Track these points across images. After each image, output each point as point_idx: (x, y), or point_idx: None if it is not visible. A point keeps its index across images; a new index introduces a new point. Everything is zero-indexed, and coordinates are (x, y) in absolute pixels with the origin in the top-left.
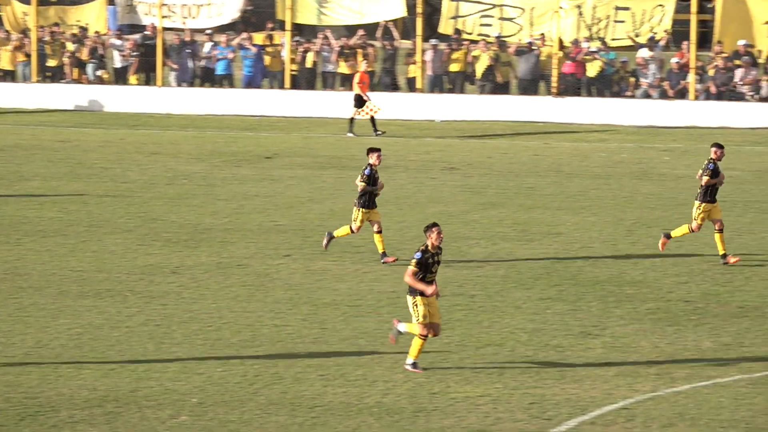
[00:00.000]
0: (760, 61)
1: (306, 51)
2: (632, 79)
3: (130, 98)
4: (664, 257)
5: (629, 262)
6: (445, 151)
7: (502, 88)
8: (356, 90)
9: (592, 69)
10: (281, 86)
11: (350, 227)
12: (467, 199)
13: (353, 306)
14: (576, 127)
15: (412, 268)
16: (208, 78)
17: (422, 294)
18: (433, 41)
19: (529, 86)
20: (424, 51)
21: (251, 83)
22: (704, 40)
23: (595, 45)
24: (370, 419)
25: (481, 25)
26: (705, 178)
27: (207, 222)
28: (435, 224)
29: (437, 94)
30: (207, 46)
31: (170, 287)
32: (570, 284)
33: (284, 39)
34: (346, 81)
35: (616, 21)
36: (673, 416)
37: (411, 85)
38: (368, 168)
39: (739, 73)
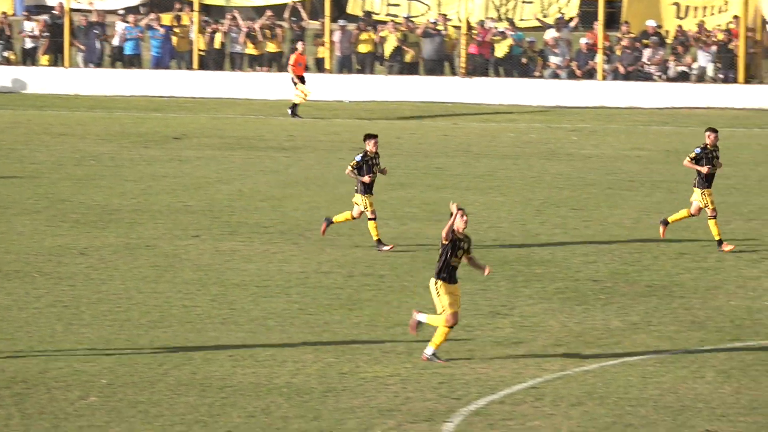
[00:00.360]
0: (668, 41)
1: (214, 32)
2: (540, 60)
3: (38, 79)
4: (572, 236)
5: (538, 241)
6: (354, 131)
7: (410, 69)
8: (292, 72)
9: (500, 49)
10: (189, 67)
11: (357, 215)
12: (376, 180)
13: (262, 286)
14: (484, 107)
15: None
16: (116, 59)
17: (445, 279)
18: (341, 22)
19: (435, 67)
20: (332, 32)
21: (159, 64)
22: (612, 21)
23: (503, 26)
24: (279, 399)
25: (389, 5)
26: (705, 168)
27: (115, 203)
28: (459, 209)
29: (346, 74)
30: (115, 27)
31: (78, 268)
32: None
33: (192, 19)
34: (254, 62)
35: (524, 2)
36: (582, 395)
37: (320, 66)
38: (360, 154)
39: (646, 53)
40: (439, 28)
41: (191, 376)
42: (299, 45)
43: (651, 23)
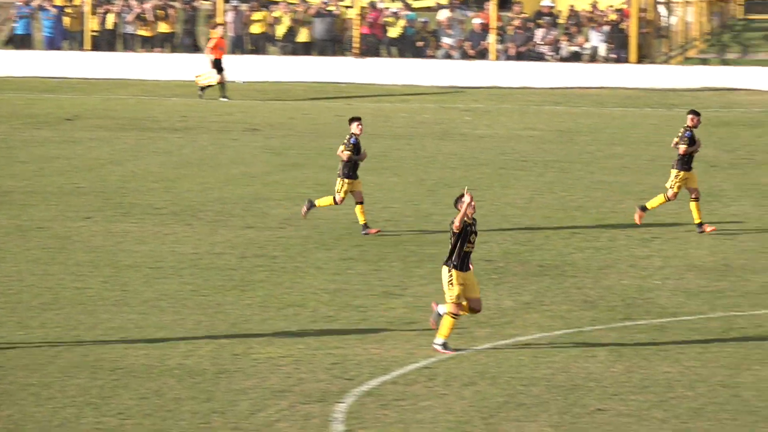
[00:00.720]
0: (560, 21)
1: (106, 12)
2: (433, 40)
3: None
4: None
5: (431, 221)
6: (247, 112)
7: (303, 50)
8: (211, 54)
9: (394, 30)
10: (81, 48)
11: (334, 198)
12: (269, 160)
13: (154, 268)
14: (378, 88)
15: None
16: (8, 39)
17: (457, 267)
18: (234, 2)
19: (327, 47)
20: (225, 12)
21: (51, 44)
22: (505, 1)
23: (396, 6)
24: (171, 381)
25: None
26: (682, 147)
27: (7, 184)
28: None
29: (239, 55)
30: (7, 7)
31: None
32: (372, 244)
33: (84, 0)
34: (147, 43)
35: None
36: (474, 375)
37: None
38: (353, 137)
39: (539, 33)
40: (331, 8)
41: (82, 358)
42: (219, 29)
43: (545, 3)
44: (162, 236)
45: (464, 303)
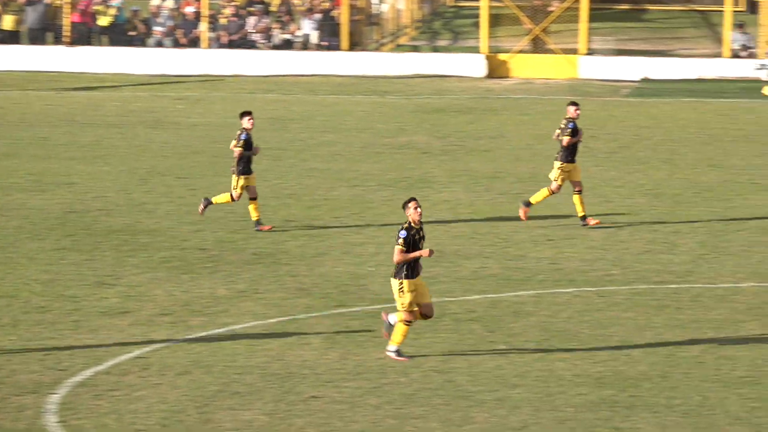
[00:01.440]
0: (272, 9)
1: None
2: (145, 28)
3: None
4: (178, 204)
5: (144, 211)
6: None
7: (13, 38)
8: None
9: (104, 18)
10: None
11: (230, 195)
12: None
13: None
14: (89, 76)
15: (399, 247)
16: None
17: (408, 275)
18: None
19: (39, 36)
20: None
21: None
22: None
23: None
24: None
25: None
26: (566, 138)
27: None
28: (412, 199)
29: None
30: None
31: None
32: (84, 234)
33: None
34: None
35: None
36: (189, 364)
37: None
38: (244, 132)
39: (251, 21)
40: None
41: None
42: None
43: None
44: None
45: (416, 309)
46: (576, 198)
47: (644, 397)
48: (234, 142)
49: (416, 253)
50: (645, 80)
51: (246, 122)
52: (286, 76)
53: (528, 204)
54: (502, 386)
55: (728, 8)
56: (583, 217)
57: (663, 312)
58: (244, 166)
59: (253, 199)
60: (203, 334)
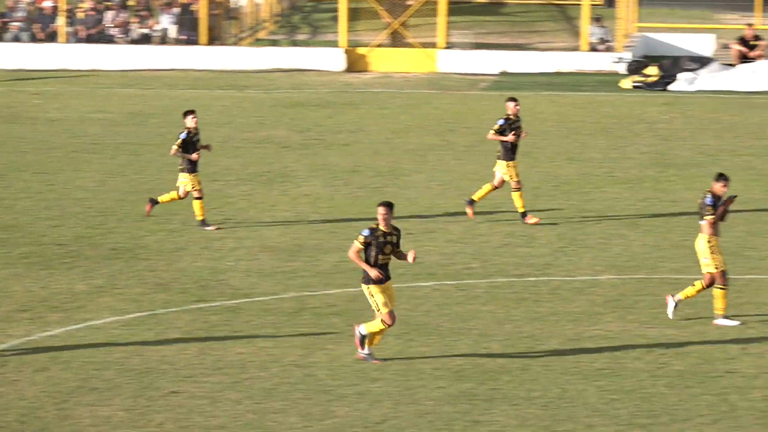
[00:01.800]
0: (131, 3)
1: None
2: (1, 22)
3: None
4: (36, 200)
5: (2, 206)
6: None
7: None
8: None
9: None
10: None
11: (184, 195)
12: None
13: None
14: None
15: (356, 243)
16: None
17: (374, 281)
18: None
19: None
20: None
21: None
22: None
23: None
24: None
25: None
26: (511, 136)
27: None
28: (382, 204)
29: None
30: None
31: None
32: None
33: None
34: None
35: None
36: (47, 360)
37: None
38: (185, 132)
39: (109, 16)
40: None
41: None
42: None
43: None
44: None
45: (391, 309)
46: (515, 195)
47: (503, 389)
48: (176, 142)
49: (363, 265)
50: (503, 74)
51: (189, 121)
52: (145, 70)
53: (471, 202)
54: (363, 380)
55: (586, 2)
56: (524, 214)
57: (522, 305)
58: (191, 165)
59: (199, 198)
60: (61, 330)
